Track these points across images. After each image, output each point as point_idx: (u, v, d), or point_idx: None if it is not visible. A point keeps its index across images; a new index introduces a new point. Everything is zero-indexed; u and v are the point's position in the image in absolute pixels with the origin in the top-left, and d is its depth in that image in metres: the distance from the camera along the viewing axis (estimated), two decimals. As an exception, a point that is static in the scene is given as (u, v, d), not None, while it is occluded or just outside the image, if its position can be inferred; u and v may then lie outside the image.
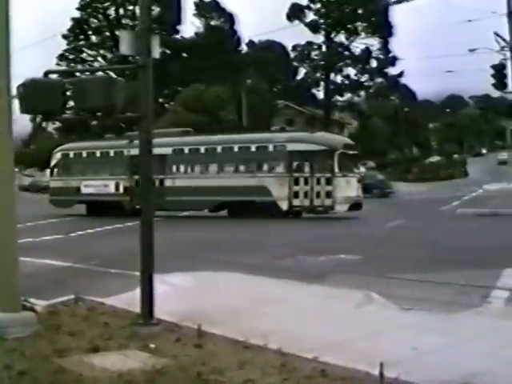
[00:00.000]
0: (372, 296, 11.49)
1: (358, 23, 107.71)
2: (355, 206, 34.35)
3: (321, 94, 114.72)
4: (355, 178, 35.51)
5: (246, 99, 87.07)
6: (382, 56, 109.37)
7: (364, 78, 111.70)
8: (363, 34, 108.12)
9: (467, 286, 12.79)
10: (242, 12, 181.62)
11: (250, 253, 19.73)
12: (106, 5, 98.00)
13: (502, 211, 33.33)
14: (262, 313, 10.47)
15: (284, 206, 34.75)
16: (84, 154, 41.90)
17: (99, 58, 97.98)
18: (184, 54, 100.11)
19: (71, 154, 42.31)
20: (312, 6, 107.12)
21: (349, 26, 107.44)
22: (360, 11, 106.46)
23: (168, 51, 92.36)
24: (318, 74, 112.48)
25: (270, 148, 36.02)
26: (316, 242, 23.47)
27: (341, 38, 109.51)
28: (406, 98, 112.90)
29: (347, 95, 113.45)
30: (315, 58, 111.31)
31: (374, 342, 8.44)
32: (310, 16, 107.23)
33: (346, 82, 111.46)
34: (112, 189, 40.06)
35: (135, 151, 39.08)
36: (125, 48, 9.56)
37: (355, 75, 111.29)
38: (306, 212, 35.17)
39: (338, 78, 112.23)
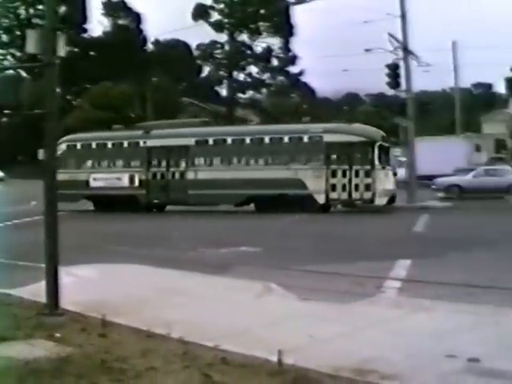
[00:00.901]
0: (271, 287, 11.57)
1: (261, 23, 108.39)
2: (391, 199, 33.28)
3: (224, 92, 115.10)
4: (391, 171, 34.09)
5: (152, 96, 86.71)
6: (282, 55, 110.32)
7: (266, 76, 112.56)
8: (265, 34, 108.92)
9: (363, 277, 13.00)
10: (148, 11, 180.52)
11: (157, 246, 19.67)
12: (16, 4, 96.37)
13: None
14: (166, 303, 10.46)
15: (321, 199, 32.69)
16: (93, 145, 38.31)
17: (8, 57, 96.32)
18: (92, 53, 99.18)
19: (78, 145, 38.48)
20: (216, 6, 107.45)
21: (251, 25, 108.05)
22: (262, 11, 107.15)
23: (76, 49, 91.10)
24: (222, 72, 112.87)
25: (305, 139, 33.61)
26: (221, 234, 23.57)
27: (244, 37, 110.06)
28: (305, 96, 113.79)
29: (249, 93, 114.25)
30: (219, 56, 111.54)
31: (272, 331, 8.53)
32: (215, 16, 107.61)
33: (249, 79, 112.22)
34: (126, 182, 36.68)
35: (152, 142, 35.17)
36: (31, 46, 9.44)
37: (257, 73, 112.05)
38: (342, 205, 33.71)
39: (241, 76, 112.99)
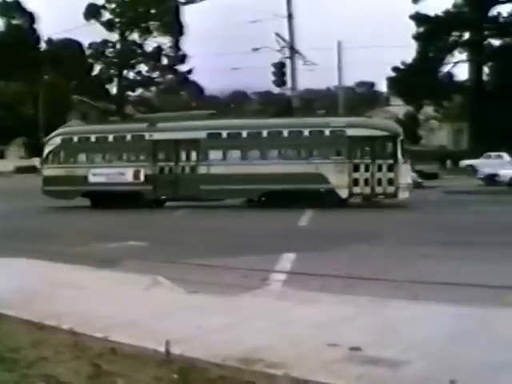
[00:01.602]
0: (159, 280, 11.50)
1: (151, 22, 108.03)
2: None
3: (114, 90, 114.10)
4: (409, 165, 33.34)
5: (44, 94, 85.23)
6: (172, 54, 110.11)
7: (155, 74, 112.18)
8: (156, 33, 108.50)
9: (249, 270, 13.03)
10: (43, 11, 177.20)
11: (50, 241, 19.24)
12: None
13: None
14: (56, 296, 10.28)
15: (343, 193, 31.48)
16: (92, 138, 35.06)
17: None
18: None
19: (75, 139, 35.22)
20: (107, 5, 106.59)
21: (142, 25, 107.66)
22: (153, 11, 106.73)
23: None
24: (112, 71, 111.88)
25: (327, 133, 32.04)
26: (114, 229, 23.37)
27: (135, 36, 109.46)
28: (194, 94, 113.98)
29: (139, 90, 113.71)
30: (110, 55, 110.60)
31: (160, 323, 8.47)
32: (106, 15, 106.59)
33: (138, 78, 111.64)
34: (130, 177, 33.74)
35: (159, 135, 33.05)
36: None
37: (147, 72, 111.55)
38: (364, 199, 32.55)
39: (131, 75, 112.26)
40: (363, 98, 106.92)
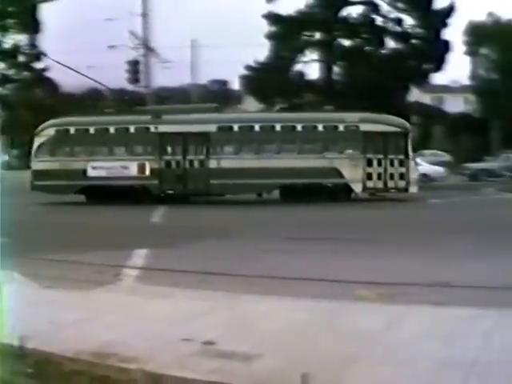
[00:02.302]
0: (14, 275, 11.17)
1: (9, 20, 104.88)
2: None
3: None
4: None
5: None
6: (29, 51, 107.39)
7: (12, 71, 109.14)
8: (13, 31, 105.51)
9: (102, 266, 12.84)
10: None
11: None
12: None
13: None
14: None
15: (357, 188, 31.16)
16: (91, 129, 32.34)
17: None
18: None
19: (72, 130, 32.29)
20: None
21: (0, 23, 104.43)
22: (10, 9, 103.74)
23: None
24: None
25: (341, 128, 31.61)
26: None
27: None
28: (50, 91, 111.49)
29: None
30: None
31: (14, 318, 8.20)
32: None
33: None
34: (134, 171, 31.48)
35: (165, 128, 31.11)
36: None
37: (3, 69, 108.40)
38: (377, 194, 32.36)
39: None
40: (216, 96, 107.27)
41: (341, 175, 31.15)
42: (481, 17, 73.94)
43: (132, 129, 32.28)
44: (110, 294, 10.09)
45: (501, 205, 30.55)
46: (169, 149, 32.46)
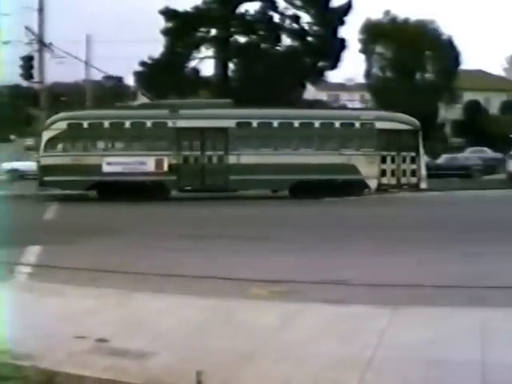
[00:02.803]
0: None
1: None
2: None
3: None
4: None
5: None
6: None
7: None
8: None
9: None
10: None
11: None
12: None
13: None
14: None
15: (373, 184, 31.51)
16: (106, 124, 31.26)
17: None
18: None
19: (85, 124, 31.09)
20: None
21: None
22: None
23: None
24: None
25: (357, 125, 32.08)
26: None
27: None
28: None
29: None
30: None
31: None
32: None
33: None
34: (151, 167, 30.60)
35: (183, 123, 30.10)
36: None
37: None
38: (390, 190, 32.33)
39: None
40: (111, 92, 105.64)
41: (358, 172, 31.77)
42: (377, 15, 74.60)
43: (149, 123, 31.52)
44: (3, 291, 9.87)
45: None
46: (187, 144, 31.95)
